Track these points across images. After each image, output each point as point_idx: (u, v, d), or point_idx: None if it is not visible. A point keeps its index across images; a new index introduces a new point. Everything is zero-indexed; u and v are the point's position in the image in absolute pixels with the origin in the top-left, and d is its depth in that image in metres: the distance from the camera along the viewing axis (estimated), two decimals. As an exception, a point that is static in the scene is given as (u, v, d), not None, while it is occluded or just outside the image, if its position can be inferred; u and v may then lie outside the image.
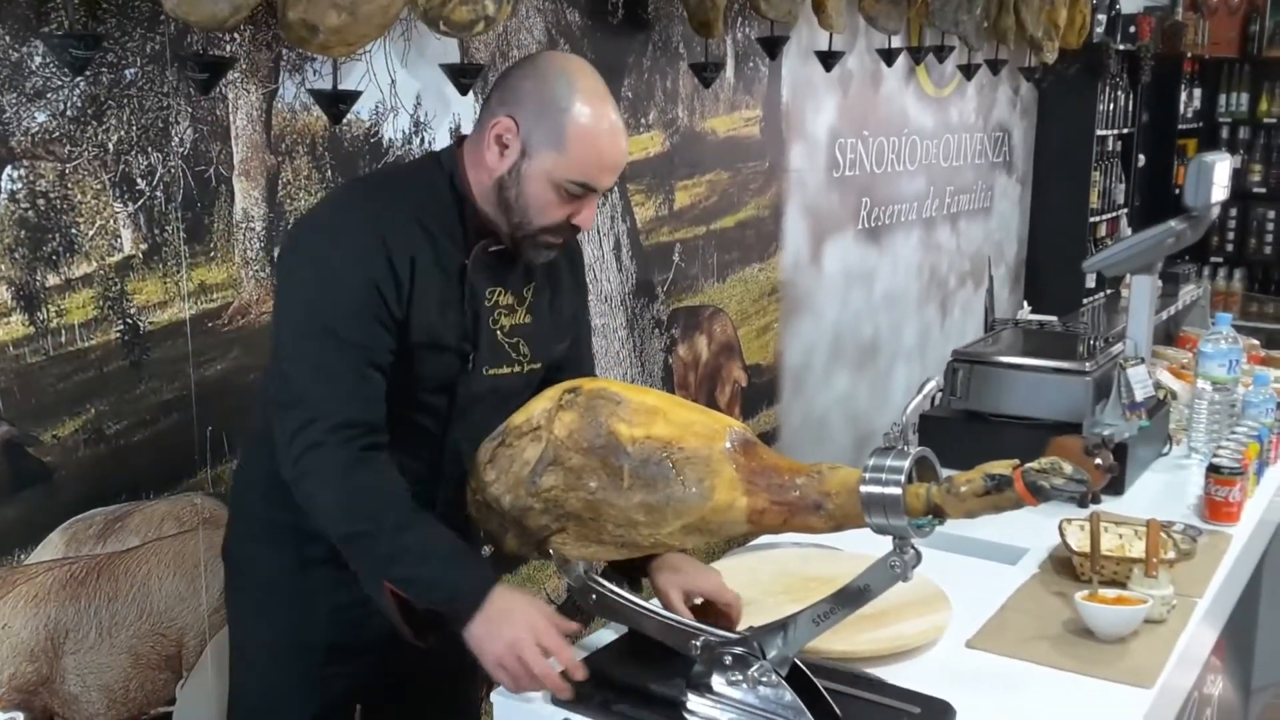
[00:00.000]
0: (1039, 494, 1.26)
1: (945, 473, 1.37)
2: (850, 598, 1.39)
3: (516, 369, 1.65)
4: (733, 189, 3.33)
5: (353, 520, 1.48)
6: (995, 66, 4.49)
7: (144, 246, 1.93)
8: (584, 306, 1.81)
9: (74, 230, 1.84)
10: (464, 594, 1.46)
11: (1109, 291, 4.93)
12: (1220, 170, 2.36)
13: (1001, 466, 1.29)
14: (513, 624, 1.43)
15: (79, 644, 1.87)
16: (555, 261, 1.67)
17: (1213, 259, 6.60)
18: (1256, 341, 3.53)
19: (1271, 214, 6.53)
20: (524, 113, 1.52)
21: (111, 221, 1.89)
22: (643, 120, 2.95)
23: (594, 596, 1.54)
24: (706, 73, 2.96)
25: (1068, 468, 1.25)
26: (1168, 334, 3.66)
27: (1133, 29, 5.66)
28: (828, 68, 3.48)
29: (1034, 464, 1.27)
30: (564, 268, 1.72)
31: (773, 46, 3.16)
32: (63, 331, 1.84)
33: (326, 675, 1.67)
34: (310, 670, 1.66)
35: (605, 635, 1.64)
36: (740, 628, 1.51)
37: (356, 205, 1.57)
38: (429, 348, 1.55)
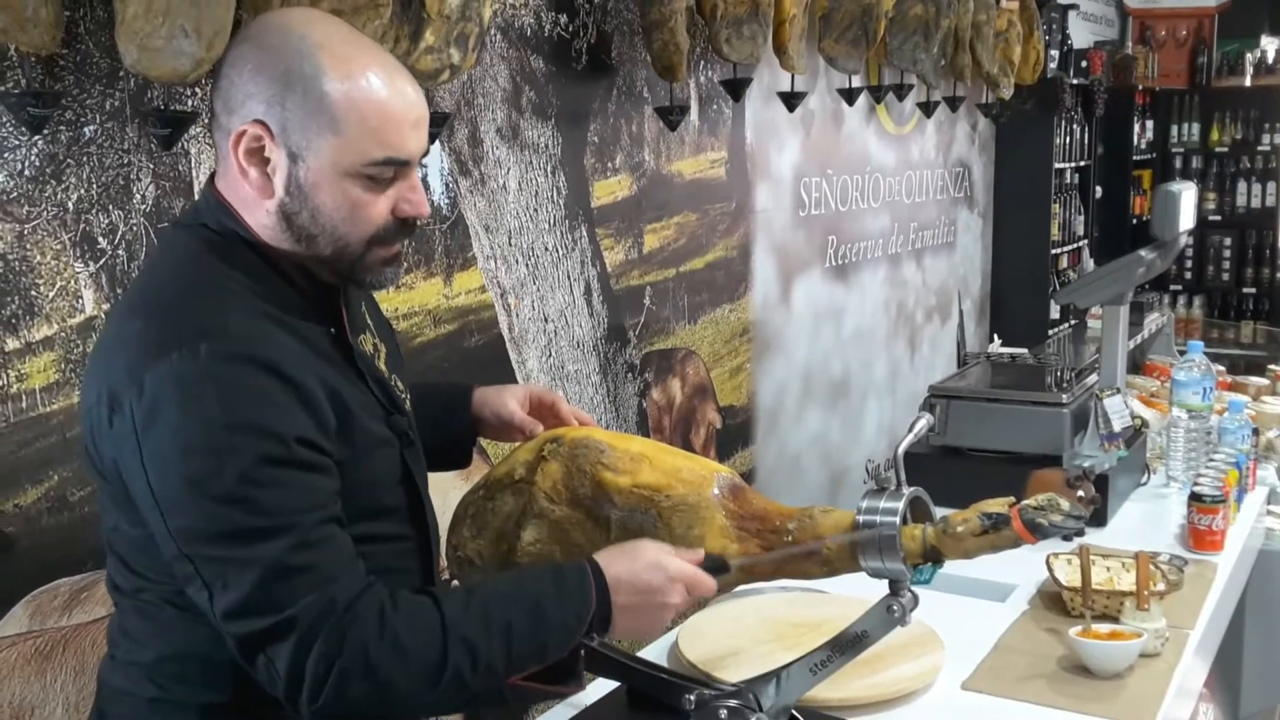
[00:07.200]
0: (1037, 532, 1.23)
1: (938, 511, 1.34)
2: (847, 644, 1.36)
3: (410, 410, 1.36)
4: (701, 231, 3.32)
5: (438, 672, 1.15)
6: (953, 104, 4.55)
7: (106, 307, 1.88)
8: None
9: (34, 292, 1.79)
10: (583, 618, 1.23)
11: (1074, 322, 4.98)
12: (1186, 199, 2.38)
13: (997, 505, 1.26)
14: (649, 594, 1.26)
15: (45, 721, 1.80)
16: None
17: (1172, 287, 6.70)
18: (1221, 368, 3.56)
19: (1228, 241, 6.64)
20: (265, 106, 1.13)
21: (73, 282, 1.84)
22: (610, 164, 2.94)
23: (583, 652, 1.49)
24: (671, 116, 2.96)
25: (1065, 504, 1.23)
26: (1134, 362, 3.70)
27: (1085, 64, 5.77)
28: (790, 108, 3.49)
29: (1030, 501, 1.25)
30: None
31: (736, 89, 3.17)
32: (23, 396, 1.79)
33: None
34: None
35: (595, 691, 1.60)
36: (733, 679, 1.47)
37: (206, 334, 1.10)
38: (372, 450, 1.23)
